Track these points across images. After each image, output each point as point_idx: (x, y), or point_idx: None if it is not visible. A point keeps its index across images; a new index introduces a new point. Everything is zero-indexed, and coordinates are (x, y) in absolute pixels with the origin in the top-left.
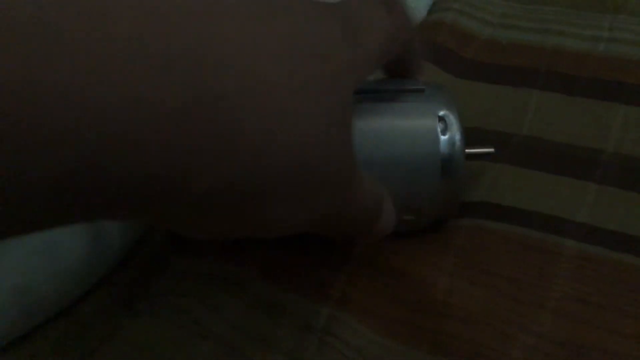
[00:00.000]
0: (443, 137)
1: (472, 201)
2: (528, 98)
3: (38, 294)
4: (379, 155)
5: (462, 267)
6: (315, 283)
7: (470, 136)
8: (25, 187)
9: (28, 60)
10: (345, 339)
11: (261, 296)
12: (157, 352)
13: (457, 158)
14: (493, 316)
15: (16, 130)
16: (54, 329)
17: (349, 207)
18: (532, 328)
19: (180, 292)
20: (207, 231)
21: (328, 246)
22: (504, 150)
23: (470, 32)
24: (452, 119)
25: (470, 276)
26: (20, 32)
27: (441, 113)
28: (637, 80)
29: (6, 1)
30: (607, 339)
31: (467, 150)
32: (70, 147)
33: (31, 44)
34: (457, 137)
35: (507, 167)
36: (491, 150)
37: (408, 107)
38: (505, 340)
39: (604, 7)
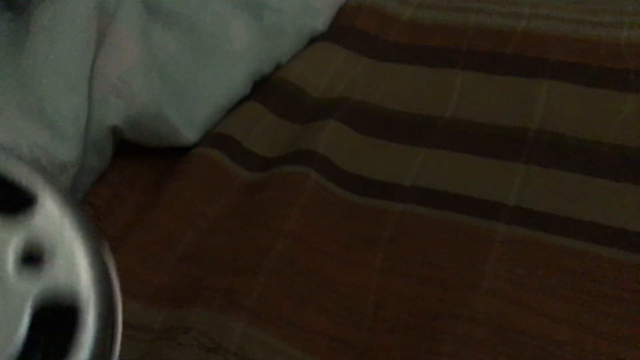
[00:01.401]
0: None
1: (402, 185)
2: (452, 79)
3: None
4: None
5: (393, 262)
6: (225, 292)
7: (396, 121)
8: None
9: None
10: None
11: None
12: None
13: None
14: (423, 314)
15: None
16: None
17: None
18: (463, 314)
19: None
20: None
21: (238, 245)
22: (430, 133)
23: (390, 14)
24: None
25: (402, 271)
26: None
27: None
28: (559, 55)
29: None
30: (541, 324)
31: None
32: None
33: None
34: None
35: (434, 151)
36: None
37: None
38: (435, 338)
39: None
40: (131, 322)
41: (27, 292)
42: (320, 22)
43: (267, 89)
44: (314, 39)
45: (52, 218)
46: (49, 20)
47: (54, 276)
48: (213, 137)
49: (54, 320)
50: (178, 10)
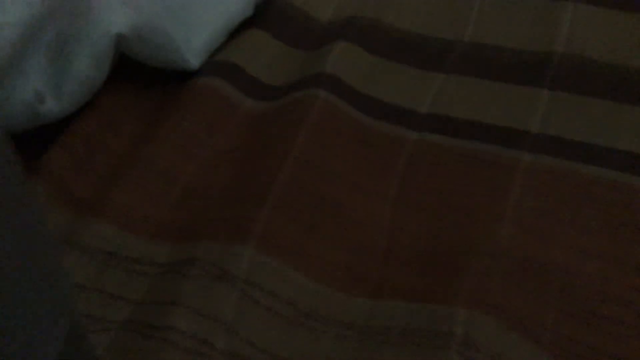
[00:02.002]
0: None
1: (417, 111)
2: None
3: None
4: None
5: (408, 193)
6: (232, 219)
7: (412, 43)
8: None
9: None
10: (271, 290)
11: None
12: None
13: None
14: (441, 248)
15: None
16: None
17: None
18: (484, 248)
19: None
20: None
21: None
22: (447, 58)
23: None
24: None
25: (418, 203)
26: None
27: None
28: None
29: None
30: (568, 257)
31: None
32: None
33: None
34: None
35: (452, 76)
36: None
37: None
38: (454, 273)
39: None
40: (133, 256)
41: None
42: None
43: (271, 15)
44: None
45: None
46: None
47: None
48: (214, 65)
49: None
50: None
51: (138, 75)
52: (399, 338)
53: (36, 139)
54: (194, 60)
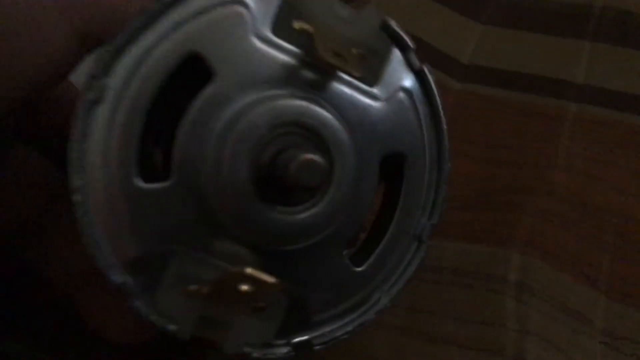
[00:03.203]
0: None
1: (458, 61)
2: None
3: None
4: None
5: (456, 143)
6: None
7: None
8: None
9: None
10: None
11: None
12: None
13: None
14: (496, 190)
15: None
16: None
17: None
18: (541, 188)
19: None
20: None
21: None
22: (486, 8)
23: None
24: None
25: (467, 152)
26: None
27: None
28: None
29: None
30: (622, 201)
31: None
32: None
33: None
34: None
35: (491, 28)
36: None
37: None
38: (511, 211)
39: None
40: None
41: None
42: None
43: None
44: None
45: None
46: None
47: None
48: None
49: None
50: None
51: None
52: (452, 277)
53: None
54: None
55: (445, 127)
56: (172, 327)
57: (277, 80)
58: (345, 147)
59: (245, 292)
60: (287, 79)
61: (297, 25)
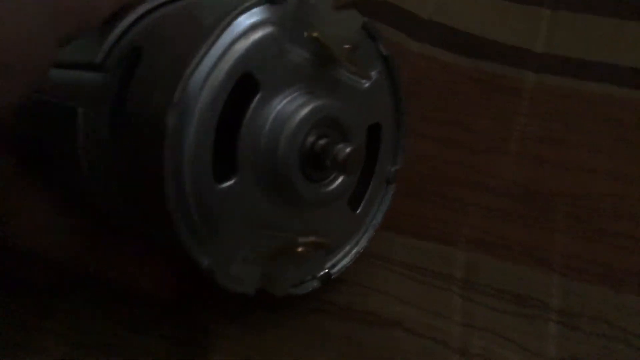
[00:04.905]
0: None
1: (420, 17)
2: None
3: None
4: None
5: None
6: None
7: None
8: None
9: None
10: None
11: None
12: None
13: None
14: (444, 180)
15: None
16: None
17: None
18: (488, 183)
19: None
20: None
21: None
22: None
23: None
24: None
25: (419, 130)
26: None
27: None
28: None
29: None
30: (577, 180)
31: None
32: None
33: None
34: None
35: None
36: None
37: None
38: (456, 207)
39: None
40: None
41: None
42: None
43: None
44: None
45: None
46: None
47: None
48: None
49: None
50: None
51: None
52: (402, 269)
53: None
54: None
55: (404, 98)
56: (241, 288)
57: (303, 81)
58: (357, 128)
59: (300, 252)
60: (309, 78)
61: (310, 34)
